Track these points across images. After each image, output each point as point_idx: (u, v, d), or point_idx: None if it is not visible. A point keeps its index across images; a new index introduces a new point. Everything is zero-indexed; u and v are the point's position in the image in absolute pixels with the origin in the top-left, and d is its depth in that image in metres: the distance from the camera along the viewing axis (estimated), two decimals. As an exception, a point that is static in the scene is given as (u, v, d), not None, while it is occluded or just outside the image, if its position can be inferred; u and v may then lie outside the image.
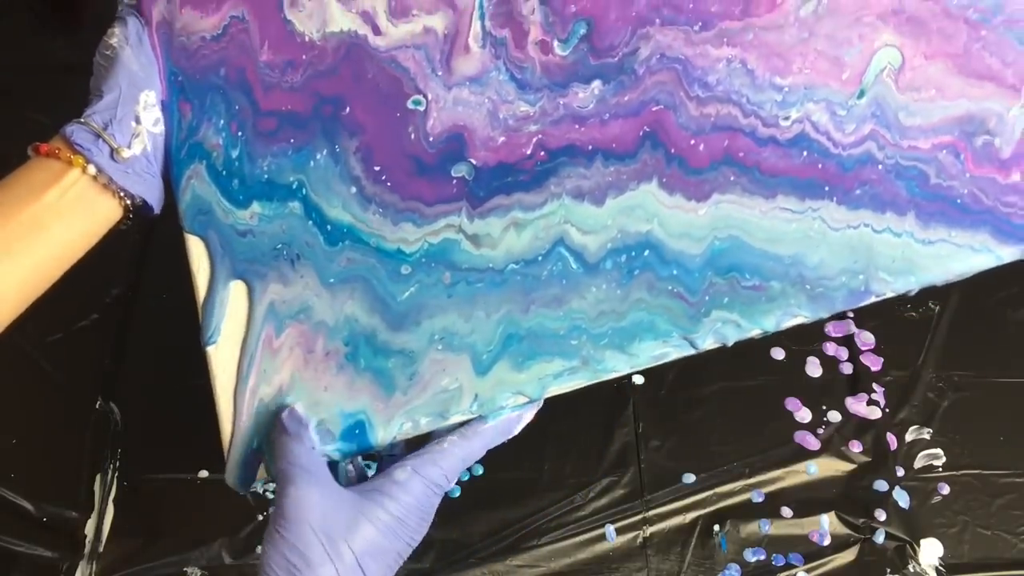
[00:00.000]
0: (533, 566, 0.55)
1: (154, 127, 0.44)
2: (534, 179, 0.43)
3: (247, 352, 0.42)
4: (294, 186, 0.43)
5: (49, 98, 0.65)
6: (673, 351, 0.41)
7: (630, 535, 0.56)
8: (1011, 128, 0.41)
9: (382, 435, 0.42)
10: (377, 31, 0.46)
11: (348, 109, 0.44)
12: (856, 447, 0.57)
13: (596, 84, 0.43)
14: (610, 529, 0.56)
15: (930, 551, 0.54)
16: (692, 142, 0.42)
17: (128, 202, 0.43)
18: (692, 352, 0.42)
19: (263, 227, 0.43)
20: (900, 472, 0.57)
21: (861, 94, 0.42)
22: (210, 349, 0.42)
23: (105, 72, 0.43)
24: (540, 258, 0.42)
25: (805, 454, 0.57)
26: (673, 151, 0.42)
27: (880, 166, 0.41)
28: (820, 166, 0.41)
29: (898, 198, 0.41)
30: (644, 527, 0.56)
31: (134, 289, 0.64)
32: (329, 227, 0.43)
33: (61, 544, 0.56)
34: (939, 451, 0.57)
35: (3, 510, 0.54)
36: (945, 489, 0.56)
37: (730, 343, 0.42)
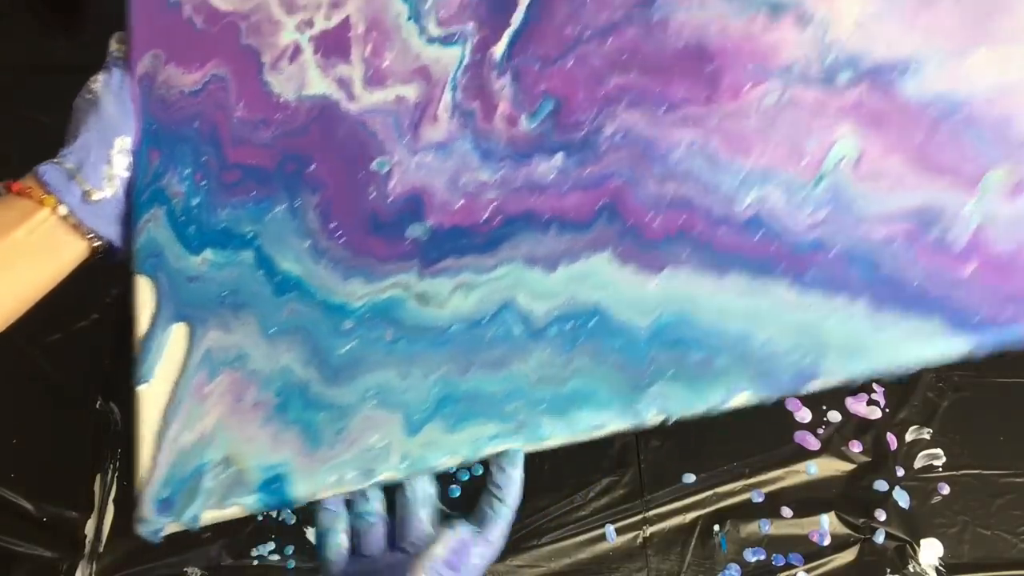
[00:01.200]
0: (533, 566, 0.60)
1: (126, 172, 0.50)
2: (488, 243, 0.48)
3: (176, 397, 0.46)
4: (249, 236, 0.49)
5: (49, 98, 0.68)
6: (614, 421, 0.44)
7: (630, 535, 0.62)
8: (965, 222, 0.45)
9: (304, 490, 0.44)
10: (351, 97, 0.52)
11: (313, 167, 0.50)
12: (856, 447, 0.63)
13: (559, 157, 0.49)
14: (610, 529, 0.61)
15: (930, 551, 0.59)
16: (649, 216, 0.47)
17: (97, 244, 0.48)
18: (634, 424, 0.45)
19: (212, 274, 0.49)
20: (900, 472, 0.62)
21: (819, 181, 0.47)
22: (141, 388, 0.46)
23: (84, 115, 0.49)
24: (486, 320, 0.46)
25: (805, 454, 0.63)
26: (629, 224, 0.47)
27: (834, 251, 0.45)
28: (774, 247, 0.46)
29: (850, 283, 0.45)
30: (644, 527, 0.61)
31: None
32: (278, 278, 0.48)
33: (61, 544, 0.60)
34: (939, 451, 0.62)
35: (3, 510, 0.59)
36: (945, 489, 0.61)
37: (674, 418, 0.45)
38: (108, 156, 0.49)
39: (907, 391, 0.63)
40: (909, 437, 0.63)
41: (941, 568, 0.59)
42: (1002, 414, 0.64)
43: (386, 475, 0.45)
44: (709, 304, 0.46)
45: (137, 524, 0.45)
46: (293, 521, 0.63)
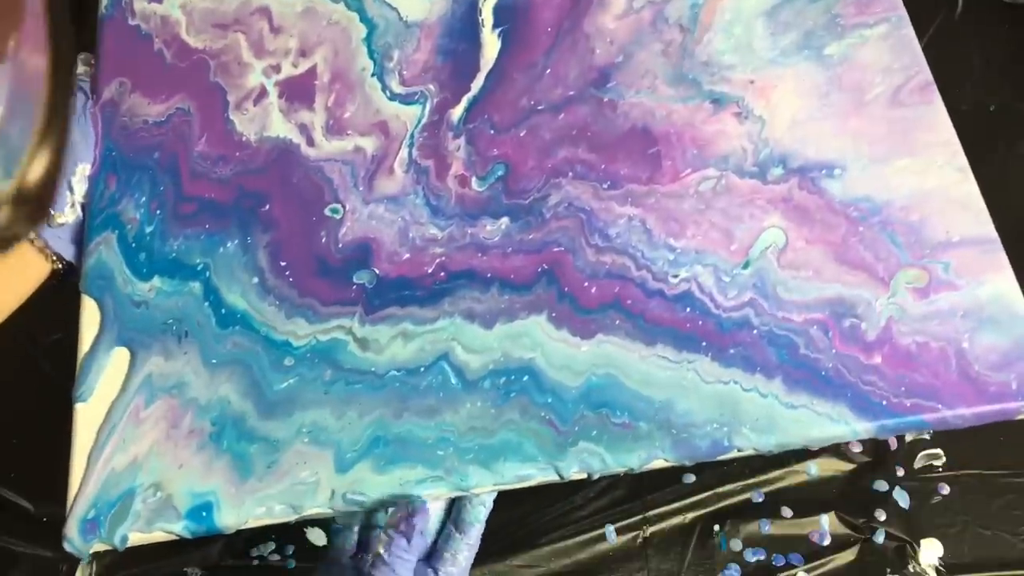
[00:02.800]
0: (533, 566, 0.62)
1: (83, 197, 0.53)
2: (430, 296, 0.51)
3: (112, 418, 0.48)
4: (199, 268, 0.52)
5: None
6: (537, 474, 0.47)
7: (630, 535, 0.64)
8: (877, 315, 0.50)
9: (231, 519, 0.46)
10: (311, 143, 0.56)
11: (268, 206, 0.53)
12: (856, 447, 0.65)
13: (504, 220, 0.53)
14: (610, 529, 0.63)
15: (930, 551, 0.61)
16: (585, 284, 0.51)
17: (58, 265, 0.51)
18: (556, 479, 0.49)
19: (159, 301, 0.51)
20: (900, 472, 0.64)
21: (746, 265, 0.52)
22: (79, 406, 0.49)
23: None
24: (422, 369, 0.49)
25: (805, 454, 0.64)
26: (566, 289, 0.51)
27: (755, 331, 0.50)
28: (700, 323, 0.50)
29: (768, 362, 0.49)
30: (644, 527, 0.63)
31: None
32: (223, 311, 0.51)
33: (61, 544, 0.62)
34: (939, 451, 0.64)
35: (3, 510, 0.59)
36: (945, 489, 0.63)
37: (595, 476, 0.48)
38: (70, 182, 0.53)
39: None
40: (909, 437, 0.65)
41: (941, 568, 0.60)
42: None
43: (313, 510, 0.48)
44: (636, 372, 0.50)
45: (64, 541, 0.47)
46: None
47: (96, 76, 0.57)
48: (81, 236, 0.53)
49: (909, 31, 0.58)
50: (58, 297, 0.53)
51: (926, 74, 0.56)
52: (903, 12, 0.58)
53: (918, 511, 0.63)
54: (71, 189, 0.53)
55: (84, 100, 0.56)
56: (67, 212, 0.52)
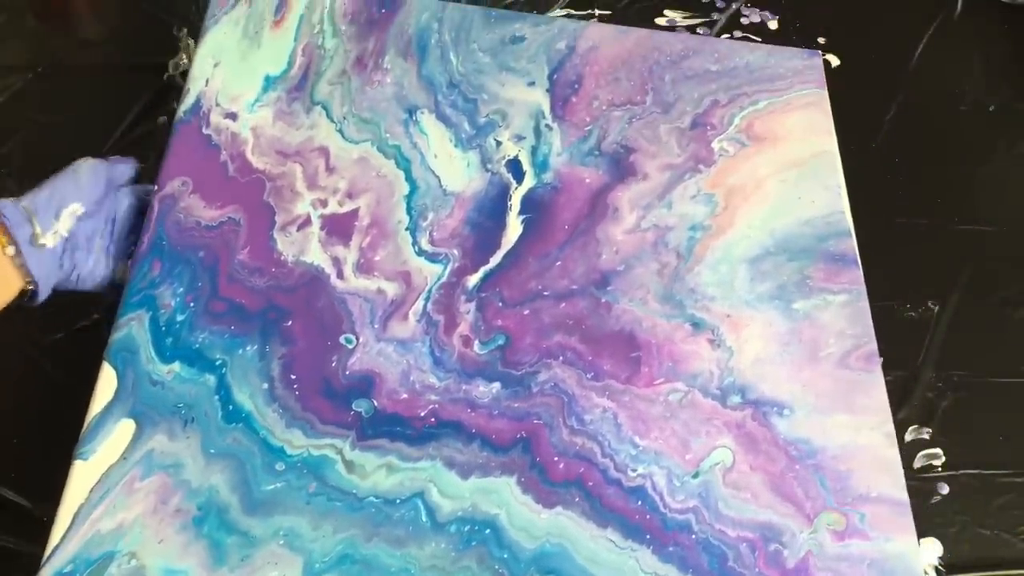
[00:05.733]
0: None
1: (66, 232, 0.57)
2: (418, 437, 0.57)
3: (107, 483, 0.52)
4: (217, 363, 0.57)
5: (49, 98, 0.78)
6: None
7: None
8: (799, 546, 0.57)
9: None
10: (340, 275, 0.63)
11: (290, 323, 0.59)
12: None
13: (496, 385, 0.60)
14: None
15: (930, 551, 0.61)
16: (555, 459, 0.57)
17: (30, 287, 0.55)
18: None
19: (174, 385, 0.56)
20: None
21: (696, 475, 0.58)
22: (78, 463, 0.53)
23: (58, 176, 0.58)
24: (398, 501, 0.54)
25: None
26: (538, 460, 0.57)
27: (693, 535, 0.56)
28: (648, 517, 0.56)
29: (699, 567, 0.55)
30: None
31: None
32: (231, 407, 0.56)
33: None
34: (939, 451, 0.65)
35: (3, 510, 0.59)
36: (945, 489, 0.64)
37: None
38: (59, 212, 0.58)
39: (907, 391, 0.67)
40: (909, 437, 0.66)
41: (941, 568, 0.61)
42: (1002, 414, 0.68)
43: (274, 609, 0.52)
44: (585, 548, 0.56)
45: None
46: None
47: (160, 170, 0.64)
48: (53, 266, 0.58)
49: (865, 304, 0.68)
50: (58, 296, 0.57)
51: (873, 345, 0.66)
52: (863, 287, 0.68)
53: (918, 511, 0.62)
54: (58, 217, 0.58)
55: (111, 167, 0.62)
56: (49, 237, 0.57)
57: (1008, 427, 0.69)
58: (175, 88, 0.79)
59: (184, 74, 0.79)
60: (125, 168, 0.63)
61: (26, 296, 0.57)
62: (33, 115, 0.78)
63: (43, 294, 0.57)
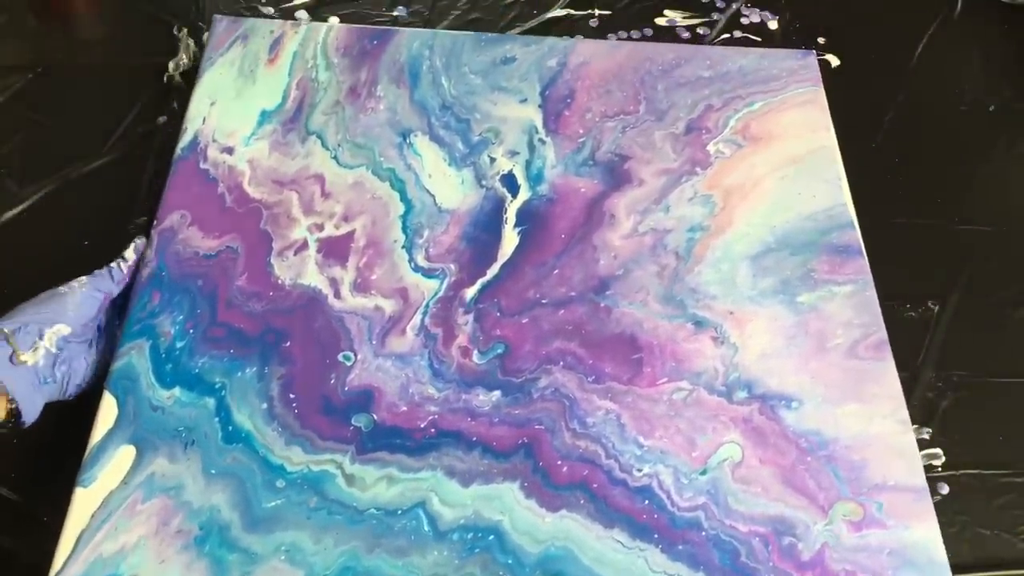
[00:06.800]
0: None
1: (54, 349, 0.56)
2: (419, 448, 0.56)
3: (109, 507, 0.53)
4: (216, 386, 0.58)
5: (49, 98, 0.78)
6: None
7: None
8: (813, 539, 0.55)
9: None
10: (337, 295, 0.63)
11: (288, 344, 0.60)
12: None
13: (496, 394, 0.59)
14: None
15: None
16: (558, 463, 0.57)
17: (11, 406, 0.53)
18: None
19: (174, 409, 0.57)
20: None
21: (704, 472, 0.57)
22: (79, 490, 0.53)
23: (46, 299, 0.57)
24: (399, 512, 0.54)
25: None
26: (541, 464, 0.56)
27: (703, 533, 0.55)
28: (656, 516, 0.55)
29: (711, 563, 0.54)
30: None
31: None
32: (231, 428, 0.56)
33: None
34: (939, 451, 0.64)
35: (2, 509, 0.59)
36: (945, 489, 0.62)
37: None
38: (42, 331, 0.56)
39: (907, 391, 0.65)
40: None
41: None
42: (1002, 414, 0.67)
43: (277, 623, 0.52)
44: (591, 550, 0.55)
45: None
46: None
47: (159, 205, 0.65)
48: (39, 387, 0.56)
49: (872, 293, 0.66)
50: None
51: (882, 333, 0.64)
52: (869, 277, 0.67)
53: (918, 511, 0.59)
54: (41, 336, 0.56)
55: (99, 285, 0.61)
56: (29, 355, 0.55)
57: (1008, 427, 0.67)
58: (175, 88, 0.81)
59: (184, 74, 0.81)
60: (123, 282, 0.63)
61: (9, 420, 0.54)
62: (33, 115, 0.79)
63: (29, 414, 0.55)
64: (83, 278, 0.60)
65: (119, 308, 0.63)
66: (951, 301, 0.74)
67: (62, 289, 0.59)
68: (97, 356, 0.60)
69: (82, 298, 0.59)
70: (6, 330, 0.55)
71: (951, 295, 0.74)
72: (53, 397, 0.57)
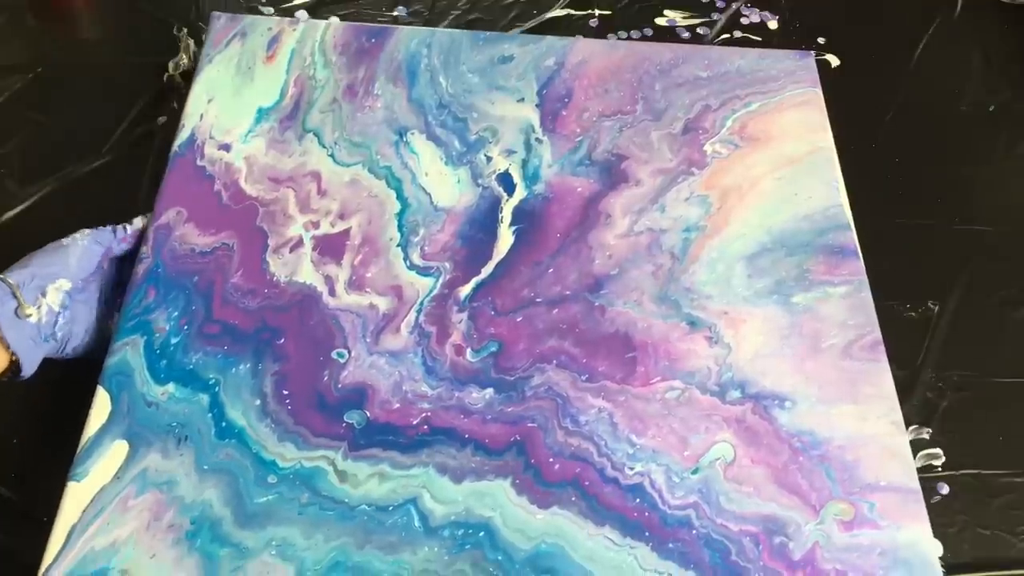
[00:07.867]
0: None
1: (56, 307, 0.58)
2: (411, 445, 0.57)
3: (101, 501, 0.53)
4: (210, 382, 0.58)
5: (49, 98, 0.79)
6: None
7: None
8: (804, 538, 0.55)
9: None
10: (332, 293, 0.63)
11: (283, 340, 0.60)
12: None
13: (489, 391, 0.60)
14: None
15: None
16: (550, 460, 0.57)
17: (13, 358, 0.55)
18: None
19: (168, 405, 0.57)
20: None
21: (695, 471, 0.57)
22: (72, 484, 0.54)
23: (48, 251, 0.59)
24: (391, 508, 0.54)
25: None
26: (533, 461, 0.56)
27: (694, 531, 0.55)
28: (647, 514, 0.55)
29: (701, 562, 0.54)
30: None
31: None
32: (224, 423, 0.56)
33: None
34: (939, 451, 0.64)
35: (2, 509, 0.59)
36: (945, 489, 0.63)
37: None
38: (45, 287, 0.58)
39: (907, 391, 0.66)
40: (909, 437, 0.64)
41: (941, 568, 0.58)
42: (1002, 414, 0.67)
43: (268, 618, 0.52)
44: (582, 547, 0.55)
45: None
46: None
47: (156, 202, 0.65)
48: (40, 342, 0.58)
49: (867, 295, 0.66)
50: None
51: (876, 334, 0.64)
52: (864, 278, 0.67)
53: (917, 511, 0.59)
54: (44, 292, 0.58)
55: (100, 240, 0.63)
56: (34, 310, 0.57)
57: (1008, 427, 0.68)
58: (175, 88, 0.81)
59: (184, 74, 0.81)
60: (125, 240, 0.65)
61: (9, 372, 0.57)
62: (33, 115, 0.79)
63: (28, 368, 0.57)
64: (85, 230, 0.62)
65: (120, 287, 0.64)
66: (951, 301, 0.74)
67: (65, 241, 0.60)
68: (96, 321, 0.62)
69: (82, 251, 0.61)
70: (12, 282, 0.56)
71: (951, 295, 0.74)
72: (51, 354, 0.59)
